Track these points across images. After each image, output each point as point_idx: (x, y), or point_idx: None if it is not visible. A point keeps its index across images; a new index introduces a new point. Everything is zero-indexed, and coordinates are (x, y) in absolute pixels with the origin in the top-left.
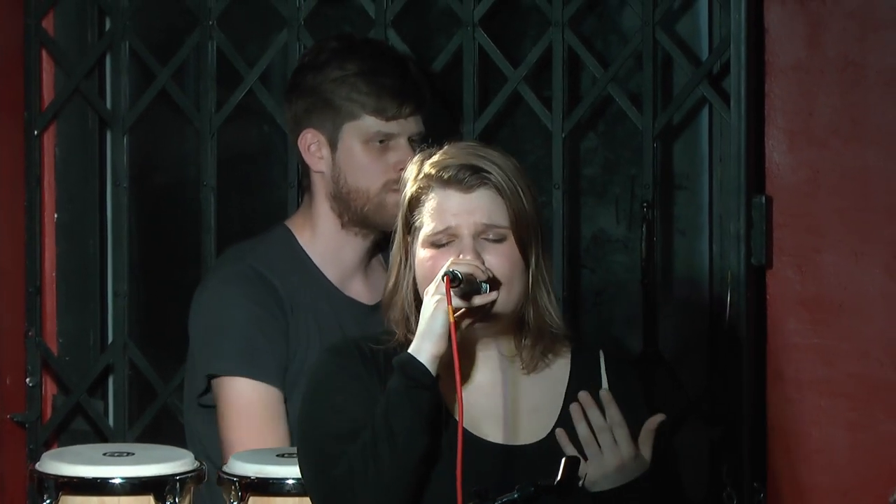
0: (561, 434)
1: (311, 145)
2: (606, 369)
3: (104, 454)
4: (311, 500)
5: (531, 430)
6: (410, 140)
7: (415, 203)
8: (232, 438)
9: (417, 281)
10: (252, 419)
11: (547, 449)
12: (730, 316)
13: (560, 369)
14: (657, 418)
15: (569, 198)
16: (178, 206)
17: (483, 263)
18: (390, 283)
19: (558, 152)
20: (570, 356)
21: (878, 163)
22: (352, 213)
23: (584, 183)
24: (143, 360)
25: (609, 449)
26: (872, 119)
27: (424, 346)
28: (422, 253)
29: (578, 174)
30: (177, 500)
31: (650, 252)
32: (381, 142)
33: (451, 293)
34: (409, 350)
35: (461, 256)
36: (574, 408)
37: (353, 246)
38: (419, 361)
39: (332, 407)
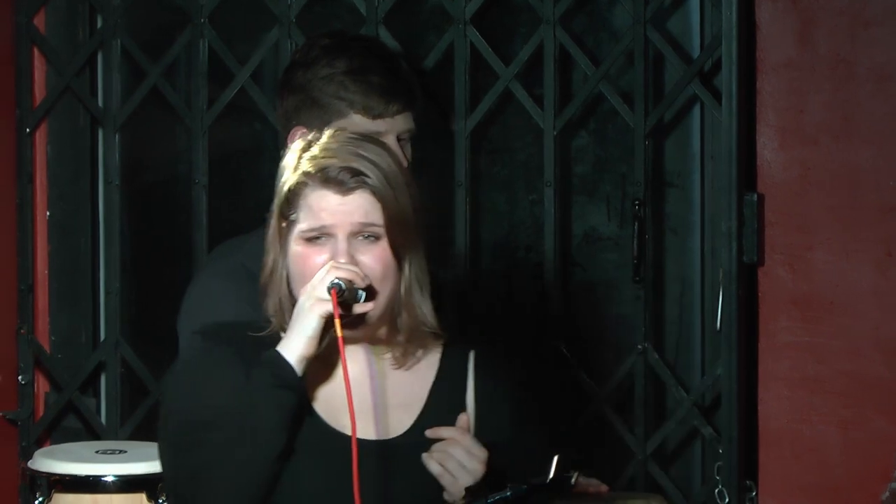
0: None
1: None
2: (475, 368)
3: (96, 452)
4: (165, 484)
5: (393, 425)
6: (399, 138)
7: (292, 196)
8: None
9: (292, 276)
10: None
11: (409, 444)
12: (721, 314)
13: (429, 366)
14: (462, 420)
15: (560, 196)
16: (169, 203)
17: (360, 269)
18: (266, 270)
19: (549, 150)
20: (440, 352)
21: (869, 160)
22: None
23: (575, 181)
24: (135, 357)
25: (461, 473)
26: (863, 116)
27: (294, 346)
28: (295, 248)
29: (570, 172)
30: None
31: (642, 250)
32: None
33: (327, 287)
34: (279, 347)
35: (340, 260)
36: (425, 455)
37: None
38: (286, 360)
39: (197, 393)
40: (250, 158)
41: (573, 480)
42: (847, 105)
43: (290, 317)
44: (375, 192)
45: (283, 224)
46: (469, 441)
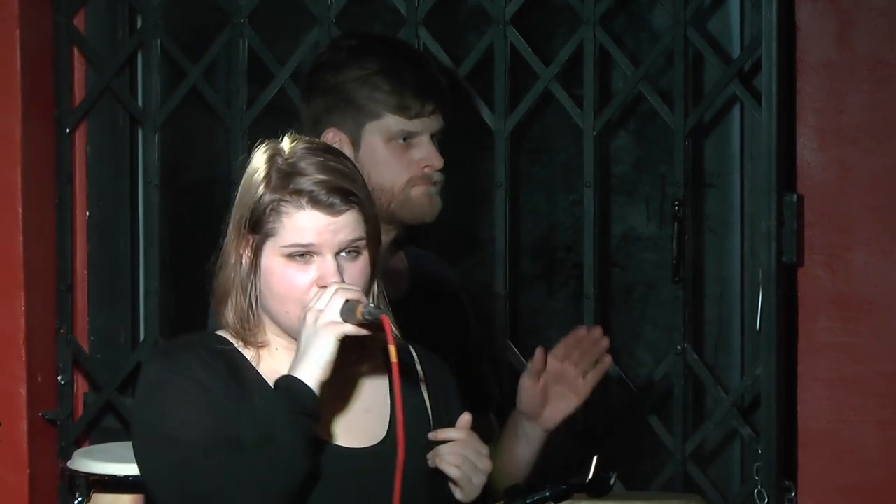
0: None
1: (333, 145)
2: (420, 361)
3: None
4: None
5: (371, 432)
6: (433, 137)
7: (270, 211)
8: None
9: (271, 294)
10: None
11: (384, 452)
12: (761, 314)
13: (378, 376)
14: (466, 419)
15: (599, 196)
16: (209, 203)
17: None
18: (226, 277)
19: (589, 150)
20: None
21: None
22: (377, 210)
23: (614, 181)
24: None
25: (475, 473)
26: None
27: (312, 371)
28: (274, 264)
29: (609, 172)
30: None
31: (681, 250)
32: (403, 140)
33: (351, 323)
34: (294, 373)
35: (331, 280)
36: (435, 457)
37: None
38: (307, 386)
39: (179, 414)
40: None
41: (612, 481)
42: (886, 105)
43: (254, 329)
44: (362, 209)
45: (252, 235)
46: (476, 440)
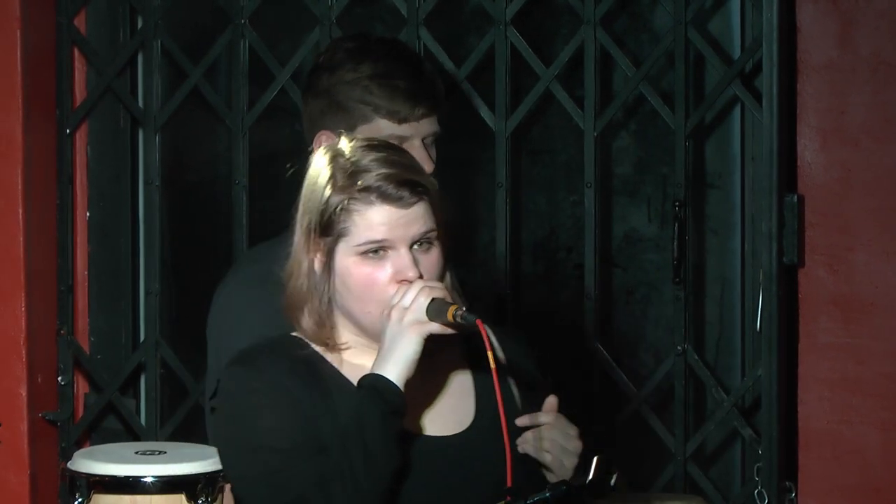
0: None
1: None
2: (502, 345)
3: (136, 453)
4: None
5: (459, 420)
6: (424, 140)
7: (341, 212)
8: None
9: (349, 294)
10: None
11: (472, 437)
12: (761, 315)
13: (462, 354)
14: (552, 402)
15: (601, 197)
16: (209, 204)
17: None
18: (299, 284)
19: (590, 151)
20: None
21: None
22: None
23: (615, 182)
24: (174, 358)
25: (566, 455)
26: None
27: (397, 370)
28: (349, 264)
29: (610, 173)
30: (208, 499)
31: (682, 251)
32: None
33: (438, 322)
34: (379, 371)
35: (409, 274)
36: (524, 444)
37: None
38: (393, 383)
39: (266, 425)
40: (290, 159)
41: (613, 481)
42: (888, 106)
43: (333, 334)
44: (430, 200)
45: (323, 239)
46: (564, 422)
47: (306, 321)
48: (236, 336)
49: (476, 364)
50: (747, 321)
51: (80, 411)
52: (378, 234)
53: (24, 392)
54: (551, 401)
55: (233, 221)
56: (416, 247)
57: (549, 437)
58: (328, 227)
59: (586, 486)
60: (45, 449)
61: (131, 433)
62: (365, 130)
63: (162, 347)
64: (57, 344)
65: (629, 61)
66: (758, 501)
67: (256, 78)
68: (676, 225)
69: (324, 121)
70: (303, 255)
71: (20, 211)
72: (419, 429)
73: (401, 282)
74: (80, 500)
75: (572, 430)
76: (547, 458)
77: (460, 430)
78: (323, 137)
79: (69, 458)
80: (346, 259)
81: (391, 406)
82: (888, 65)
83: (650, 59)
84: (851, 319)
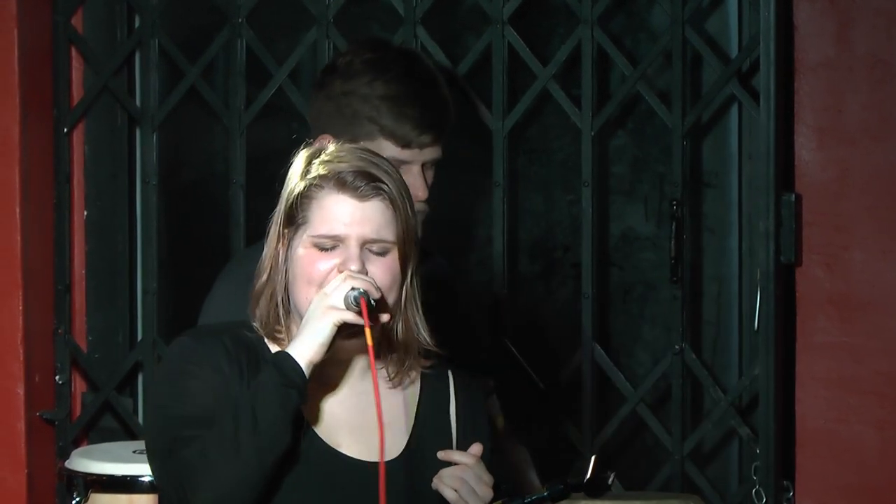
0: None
1: None
2: (455, 390)
3: (133, 452)
4: (157, 483)
5: (386, 446)
6: (424, 166)
7: (303, 199)
8: None
9: (295, 279)
10: None
11: (399, 467)
12: (759, 314)
13: (413, 386)
14: (476, 448)
15: (597, 196)
16: (207, 203)
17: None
18: (262, 278)
19: (587, 150)
20: (419, 384)
21: None
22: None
23: (612, 181)
24: None
25: (472, 498)
26: None
27: (304, 350)
28: (302, 252)
29: (607, 172)
30: None
31: (679, 250)
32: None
33: (353, 313)
34: (288, 350)
35: (352, 268)
36: (437, 480)
37: None
38: (295, 361)
39: (186, 391)
40: (288, 158)
41: (610, 481)
42: (885, 105)
43: (281, 324)
44: (392, 202)
45: (287, 230)
46: (481, 468)
47: (260, 311)
48: None
49: (427, 398)
50: (744, 320)
51: (78, 410)
52: (331, 229)
53: (21, 391)
54: (476, 447)
55: (230, 220)
56: (369, 248)
57: (462, 476)
58: (291, 217)
59: (583, 486)
60: (43, 448)
61: (129, 432)
62: (367, 146)
63: (159, 346)
64: (54, 343)
65: (626, 60)
66: (755, 500)
67: (253, 77)
68: (673, 224)
69: (330, 125)
70: (270, 249)
71: (17, 210)
72: (340, 446)
73: (341, 272)
74: (77, 499)
75: (487, 478)
76: (450, 496)
77: (376, 459)
78: (324, 141)
79: (67, 457)
80: (301, 247)
81: (287, 381)
82: (885, 63)
83: (647, 59)
84: (849, 318)
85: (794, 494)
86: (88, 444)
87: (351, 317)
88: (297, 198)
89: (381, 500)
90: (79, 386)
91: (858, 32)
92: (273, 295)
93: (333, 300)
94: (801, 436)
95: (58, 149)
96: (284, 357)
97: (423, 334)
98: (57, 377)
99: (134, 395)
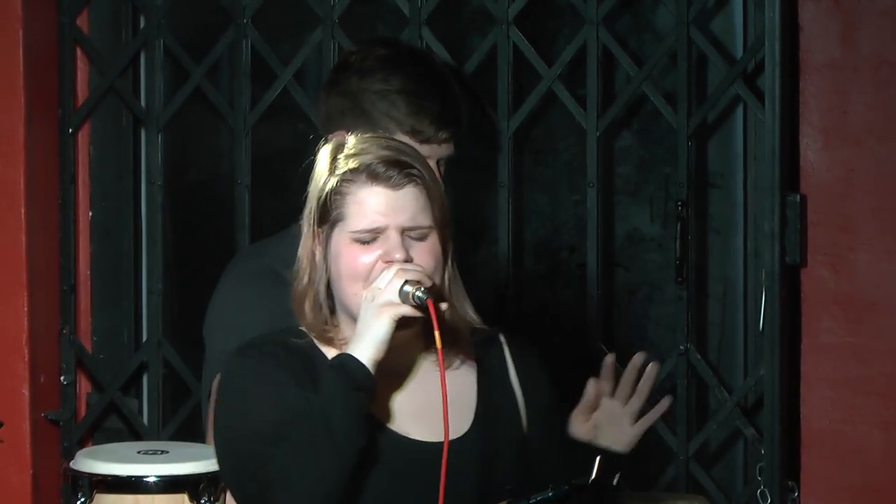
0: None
1: None
2: (511, 354)
3: (138, 452)
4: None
5: (453, 425)
6: (439, 162)
7: (335, 196)
8: None
9: (340, 276)
10: None
11: (468, 443)
12: (764, 314)
13: (469, 360)
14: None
15: (603, 196)
16: (212, 204)
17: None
18: (302, 279)
19: (592, 151)
20: (475, 358)
21: None
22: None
23: (618, 181)
24: (177, 358)
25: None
26: None
27: (365, 349)
28: (343, 248)
29: (613, 173)
30: (211, 499)
31: (684, 251)
32: None
33: (409, 306)
34: (349, 351)
35: (396, 256)
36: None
37: None
38: (360, 363)
39: (252, 411)
40: (293, 159)
41: (615, 481)
42: (890, 106)
43: (329, 323)
44: (425, 186)
45: (321, 228)
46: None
47: (307, 313)
48: (236, 333)
49: (484, 370)
50: (750, 321)
51: (83, 411)
52: (370, 223)
53: (26, 392)
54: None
55: (235, 221)
56: (409, 235)
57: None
58: (325, 214)
59: (588, 486)
60: (48, 448)
61: (133, 433)
62: None
63: (164, 347)
64: (59, 343)
65: (631, 61)
66: (760, 501)
67: (259, 77)
68: (679, 224)
69: (344, 121)
70: (306, 249)
71: (22, 211)
72: (409, 433)
73: (387, 263)
74: (82, 499)
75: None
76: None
77: (454, 437)
78: (339, 138)
79: (71, 457)
80: (340, 243)
81: (355, 383)
82: (890, 64)
83: (653, 59)
84: (854, 319)
85: (799, 495)
86: (93, 444)
87: (408, 310)
88: (328, 194)
89: (441, 482)
90: (84, 386)
91: (863, 33)
92: (316, 296)
93: (388, 295)
94: (807, 436)
95: (63, 149)
96: (348, 359)
97: (470, 313)
98: (62, 378)
99: (139, 396)
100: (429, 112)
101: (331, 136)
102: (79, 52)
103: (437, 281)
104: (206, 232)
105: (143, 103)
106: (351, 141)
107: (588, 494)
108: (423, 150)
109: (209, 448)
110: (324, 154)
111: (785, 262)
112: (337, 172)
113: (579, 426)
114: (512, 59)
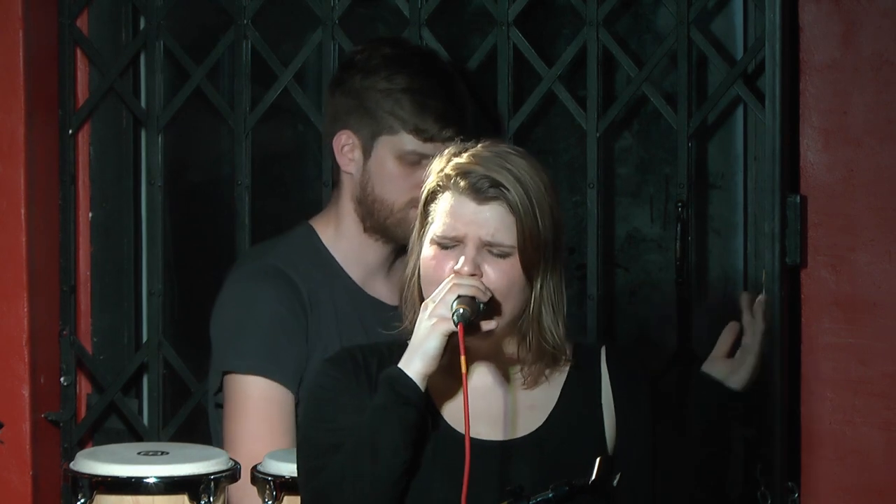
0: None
1: (345, 146)
2: (609, 371)
3: (138, 453)
4: None
5: (522, 426)
6: None
7: (431, 198)
8: (239, 435)
9: (422, 277)
10: (262, 419)
11: (537, 440)
12: (764, 315)
13: (557, 378)
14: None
15: (603, 197)
16: (212, 204)
17: (482, 281)
18: (408, 272)
19: (593, 152)
20: (567, 369)
21: None
22: (373, 221)
23: (618, 182)
24: (177, 358)
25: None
26: None
27: (414, 364)
28: (427, 250)
29: (613, 173)
30: (211, 500)
31: (685, 251)
32: (414, 160)
33: (454, 319)
34: (400, 365)
35: (464, 268)
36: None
37: (375, 248)
38: (408, 377)
39: (322, 419)
40: (293, 160)
41: (615, 482)
42: (891, 107)
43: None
44: (512, 207)
45: (423, 227)
46: None
47: (406, 310)
48: (242, 332)
49: (573, 390)
50: None
51: (83, 412)
52: (451, 229)
53: (26, 392)
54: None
55: (235, 222)
56: (489, 250)
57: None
58: (425, 215)
59: (589, 486)
60: (48, 449)
61: (134, 434)
62: (387, 140)
63: (164, 348)
64: (59, 344)
65: (632, 62)
66: (761, 502)
67: (259, 78)
68: (679, 225)
69: (348, 120)
70: (413, 245)
71: (22, 211)
72: (477, 433)
73: (455, 272)
74: (82, 500)
75: None
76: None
77: (515, 437)
78: (343, 136)
79: (72, 458)
80: (428, 246)
81: (402, 398)
82: (891, 64)
83: (653, 60)
84: (854, 320)
85: (799, 496)
86: (94, 445)
87: (453, 328)
88: (428, 195)
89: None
90: (84, 387)
91: (864, 34)
92: (413, 294)
93: (441, 310)
94: (807, 437)
95: (63, 150)
96: (398, 374)
97: (558, 340)
98: (62, 378)
99: (139, 397)
100: (433, 111)
101: (335, 135)
102: (79, 52)
103: (511, 303)
104: (207, 233)
105: (143, 104)
106: (477, 147)
107: (588, 494)
108: (428, 148)
109: (209, 449)
110: (443, 154)
111: (785, 262)
112: (439, 174)
113: (721, 370)
114: (512, 59)
